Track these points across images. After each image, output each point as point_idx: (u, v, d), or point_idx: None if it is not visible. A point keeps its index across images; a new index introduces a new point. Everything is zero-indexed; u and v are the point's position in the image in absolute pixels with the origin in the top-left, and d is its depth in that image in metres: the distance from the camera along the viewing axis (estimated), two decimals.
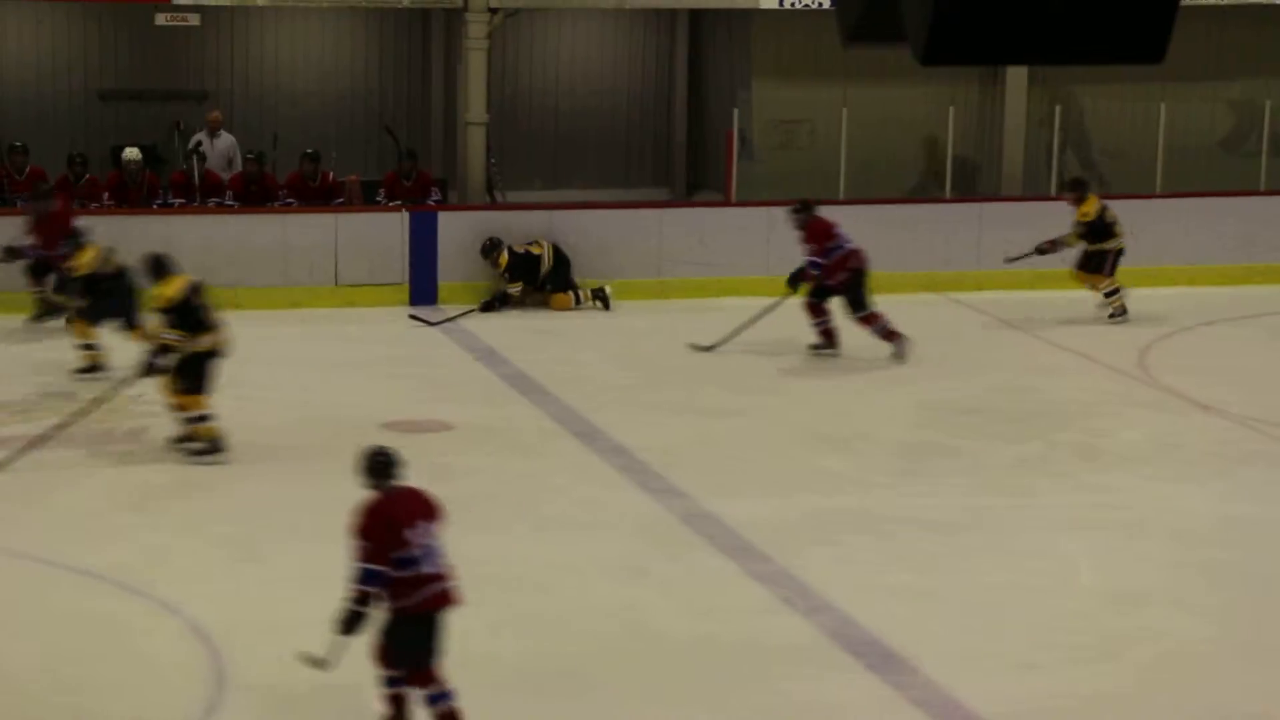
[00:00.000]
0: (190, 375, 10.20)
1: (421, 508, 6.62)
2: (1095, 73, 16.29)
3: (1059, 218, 14.52)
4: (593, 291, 14.67)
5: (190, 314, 10.24)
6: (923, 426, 11.39)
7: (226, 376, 12.12)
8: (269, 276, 14.59)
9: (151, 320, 10.49)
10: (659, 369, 12.70)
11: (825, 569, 8.64)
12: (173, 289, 10.30)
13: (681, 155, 18.97)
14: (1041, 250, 14.38)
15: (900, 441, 11.07)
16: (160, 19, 16.05)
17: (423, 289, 14.83)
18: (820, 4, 16.01)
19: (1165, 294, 15.50)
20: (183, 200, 15.07)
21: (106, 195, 14.90)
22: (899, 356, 12.89)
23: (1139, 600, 8.39)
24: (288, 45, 17.97)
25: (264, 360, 12.86)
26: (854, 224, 15.57)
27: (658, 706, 7.15)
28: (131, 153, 15.09)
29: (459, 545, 8.86)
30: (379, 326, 14.05)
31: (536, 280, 14.66)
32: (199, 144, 15.66)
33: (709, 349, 13.07)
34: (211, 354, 10.27)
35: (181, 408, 10.31)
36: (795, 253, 13.42)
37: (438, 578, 6.55)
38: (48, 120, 16.95)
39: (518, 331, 13.92)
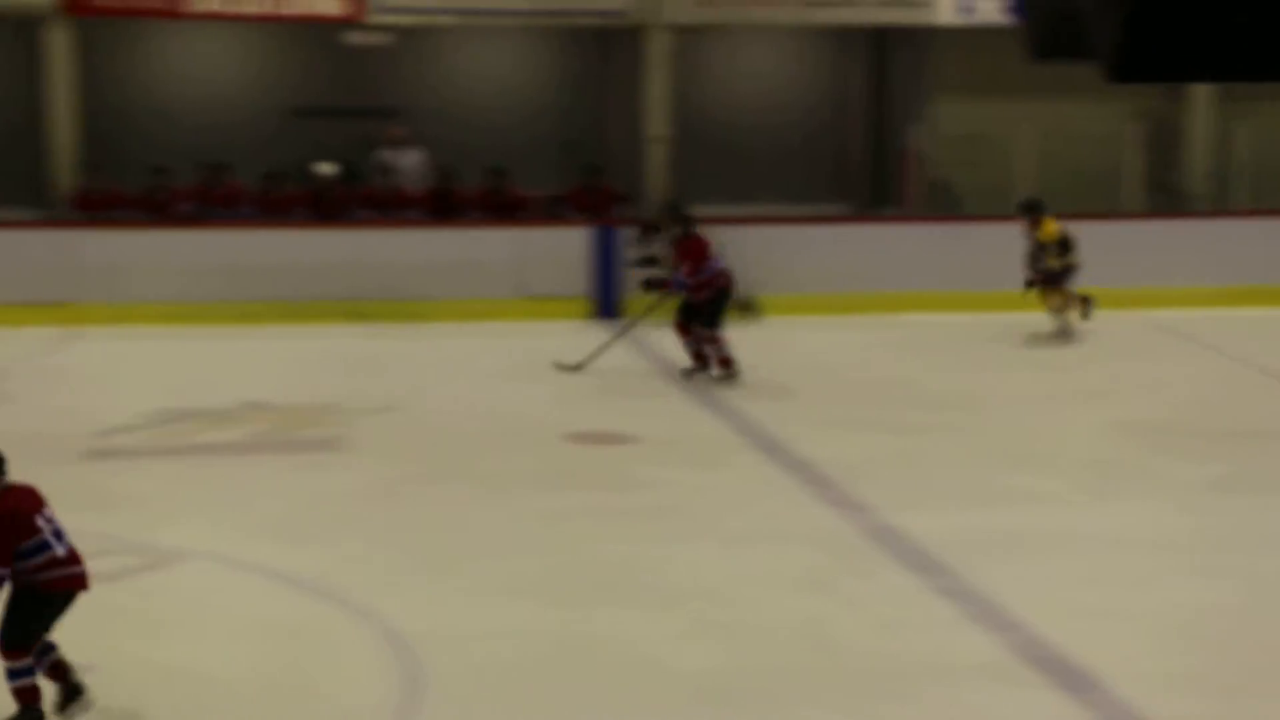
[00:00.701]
0: None
1: (37, 497, 6.76)
2: None
3: (1246, 233, 14.27)
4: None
5: None
6: (1115, 444, 11.23)
7: (412, 389, 12.44)
8: (455, 288, 14.87)
9: None
10: (841, 383, 12.68)
11: (1013, 586, 8.56)
12: None
13: (863, 170, 18.94)
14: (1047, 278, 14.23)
15: (1092, 459, 10.92)
16: (353, 38, 16.42)
17: (604, 302, 15.00)
18: (1000, 21, 15.88)
19: None
20: (374, 214, 15.41)
21: (302, 209, 15.29)
22: (719, 377, 12.52)
23: None
24: (474, 63, 18.29)
25: (450, 372, 13.12)
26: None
27: None
28: (326, 168, 15.49)
29: (642, 555, 9.01)
30: (562, 339, 14.22)
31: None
32: (388, 159, 15.99)
33: (576, 368, 12.91)
34: None
35: None
36: (975, 265, 13.32)
37: (73, 560, 6.71)
38: (245, 137, 17.44)
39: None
